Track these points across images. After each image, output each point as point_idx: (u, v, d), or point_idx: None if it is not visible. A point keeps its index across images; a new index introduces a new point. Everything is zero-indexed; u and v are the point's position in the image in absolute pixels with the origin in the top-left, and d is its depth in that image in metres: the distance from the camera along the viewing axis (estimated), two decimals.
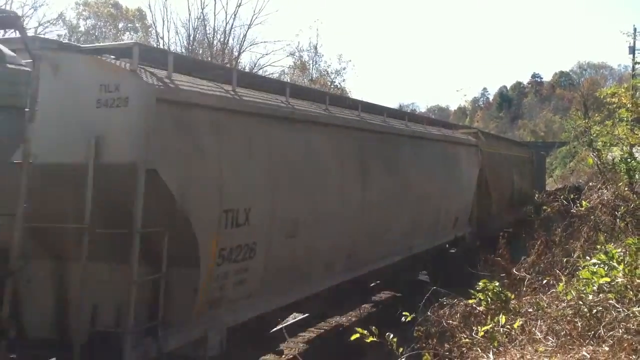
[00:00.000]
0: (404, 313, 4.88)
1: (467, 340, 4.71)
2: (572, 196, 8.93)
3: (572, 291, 4.91)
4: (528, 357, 4.06)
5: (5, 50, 4.82)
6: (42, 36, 12.43)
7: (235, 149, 5.48)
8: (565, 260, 6.72)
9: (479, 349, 4.48)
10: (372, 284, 10.21)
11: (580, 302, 4.61)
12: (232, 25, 29.63)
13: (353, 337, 4.22)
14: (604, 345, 3.98)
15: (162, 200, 4.63)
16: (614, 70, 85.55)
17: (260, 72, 29.03)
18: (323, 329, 9.93)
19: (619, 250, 5.50)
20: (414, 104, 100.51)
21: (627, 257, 5.18)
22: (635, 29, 31.72)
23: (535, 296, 5.53)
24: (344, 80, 39.04)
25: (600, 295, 4.65)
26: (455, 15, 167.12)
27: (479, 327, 4.77)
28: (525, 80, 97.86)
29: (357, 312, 10.55)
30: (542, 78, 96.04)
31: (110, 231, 4.53)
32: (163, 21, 36.27)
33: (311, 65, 34.51)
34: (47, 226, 4.61)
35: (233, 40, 30.49)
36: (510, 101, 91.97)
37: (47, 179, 4.54)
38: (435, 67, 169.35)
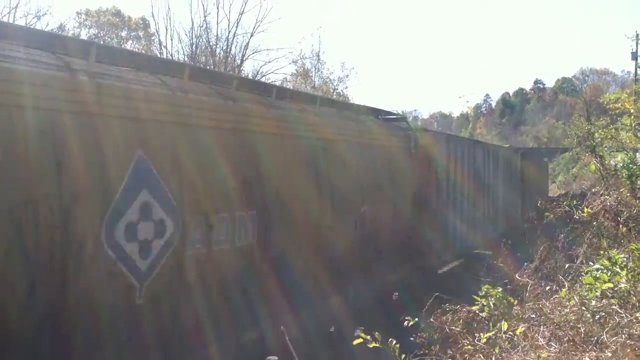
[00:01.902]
0: (406, 318, 4.88)
1: (469, 346, 4.69)
2: (575, 202, 8.90)
3: (575, 297, 4.89)
4: None
5: None
6: None
7: None
8: (568, 266, 6.70)
9: (481, 355, 4.47)
10: None
11: (583, 308, 4.59)
12: (234, 33, 29.75)
13: (355, 342, 4.20)
14: (607, 351, 3.96)
15: None
16: (617, 77, 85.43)
17: (262, 80, 29.13)
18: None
19: (622, 255, 5.48)
20: (417, 111, 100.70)
21: (630, 263, 5.16)
22: (638, 35, 31.76)
23: (538, 302, 5.51)
24: (346, 87, 38.99)
25: (604, 300, 4.63)
26: (458, 22, 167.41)
27: (481, 334, 4.76)
28: (528, 86, 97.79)
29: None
30: (544, 84, 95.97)
31: None
32: (166, 29, 36.47)
33: (314, 73, 34.57)
34: None
35: (235, 48, 30.59)
36: (512, 107, 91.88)
37: None
38: (438, 74, 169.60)
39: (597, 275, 4.93)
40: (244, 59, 30.59)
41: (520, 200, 20.66)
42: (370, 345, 4.07)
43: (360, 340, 4.14)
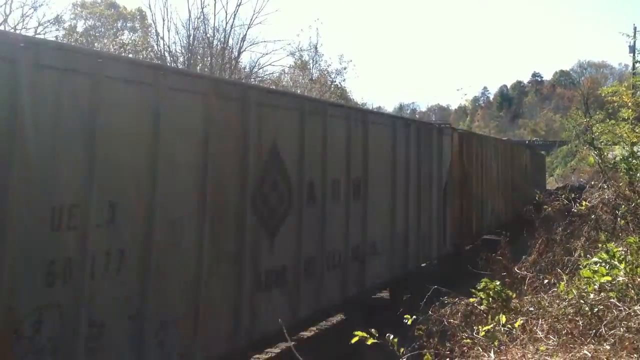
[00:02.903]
0: (405, 316, 4.86)
1: (468, 339, 4.70)
2: (573, 195, 8.91)
3: (573, 290, 4.90)
4: (529, 356, 4.06)
5: None
6: None
7: None
8: (566, 259, 6.71)
9: (480, 348, 4.47)
10: None
11: (582, 301, 4.60)
12: (232, 25, 29.59)
13: (353, 341, 4.19)
14: (605, 344, 3.97)
15: None
16: (615, 69, 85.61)
17: (260, 72, 29.03)
18: (322, 328, 9.87)
19: (620, 249, 5.50)
20: (415, 104, 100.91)
21: (628, 256, 5.18)
22: (635, 28, 31.74)
23: (537, 295, 5.53)
24: (344, 80, 38.87)
25: (602, 294, 4.64)
26: (456, 15, 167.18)
27: (480, 327, 4.76)
28: (526, 79, 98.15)
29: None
30: (542, 77, 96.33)
31: None
32: (163, 20, 36.06)
33: (311, 65, 34.43)
34: None
35: (233, 40, 30.46)
36: (510, 100, 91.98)
37: None
38: (436, 66, 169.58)
39: (595, 269, 4.94)
40: (241, 51, 30.46)
41: (451, 219, 12.48)
42: (369, 342, 4.06)
43: (357, 338, 4.13)
